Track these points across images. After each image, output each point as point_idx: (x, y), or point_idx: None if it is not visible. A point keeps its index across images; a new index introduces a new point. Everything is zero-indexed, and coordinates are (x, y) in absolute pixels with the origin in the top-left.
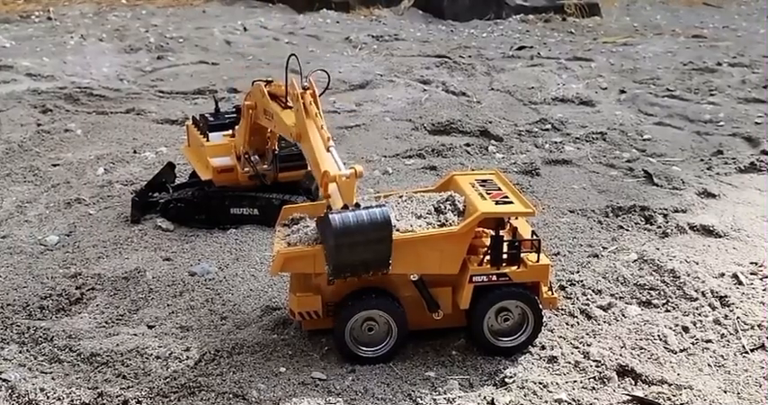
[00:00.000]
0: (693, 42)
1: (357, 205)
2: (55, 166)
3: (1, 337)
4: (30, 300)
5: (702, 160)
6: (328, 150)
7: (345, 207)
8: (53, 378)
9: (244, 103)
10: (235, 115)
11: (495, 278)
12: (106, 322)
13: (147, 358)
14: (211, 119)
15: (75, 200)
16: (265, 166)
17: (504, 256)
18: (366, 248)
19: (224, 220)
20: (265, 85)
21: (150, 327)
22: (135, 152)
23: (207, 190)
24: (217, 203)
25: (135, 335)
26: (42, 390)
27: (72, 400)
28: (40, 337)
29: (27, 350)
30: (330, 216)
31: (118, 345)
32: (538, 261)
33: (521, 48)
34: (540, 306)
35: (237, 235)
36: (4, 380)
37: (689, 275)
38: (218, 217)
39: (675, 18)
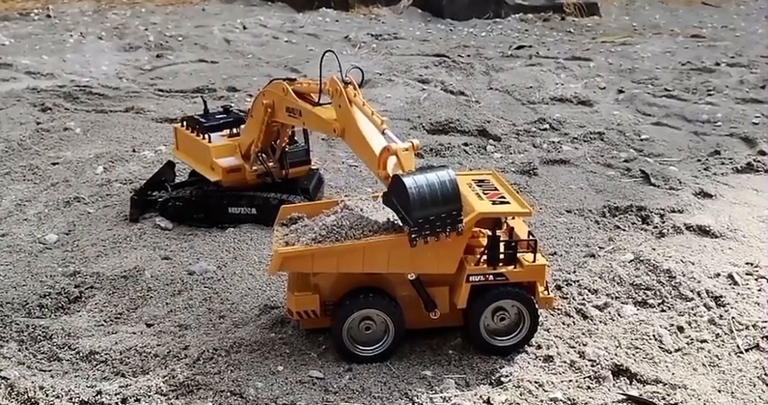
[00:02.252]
0: (692, 42)
1: None
2: (54, 164)
3: (0, 335)
4: (29, 298)
5: (699, 160)
6: (384, 133)
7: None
8: (52, 376)
9: (261, 102)
10: (225, 116)
11: (491, 278)
12: (105, 321)
13: (145, 357)
14: (203, 120)
15: (74, 198)
16: (271, 164)
17: (501, 255)
18: (437, 204)
19: (222, 219)
20: (288, 84)
21: (149, 325)
22: (134, 151)
23: (205, 189)
24: (215, 202)
25: (134, 333)
26: (41, 387)
27: (71, 398)
28: (39, 335)
29: (26, 348)
30: (402, 178)
31: (116, 343)
32: (534, 261)
33: (519, 47)
34: (537, 306)
35: (236, 234)
36: (4, 378)
37: (684, 276)
38: (217, 216)
39: (674, 17)
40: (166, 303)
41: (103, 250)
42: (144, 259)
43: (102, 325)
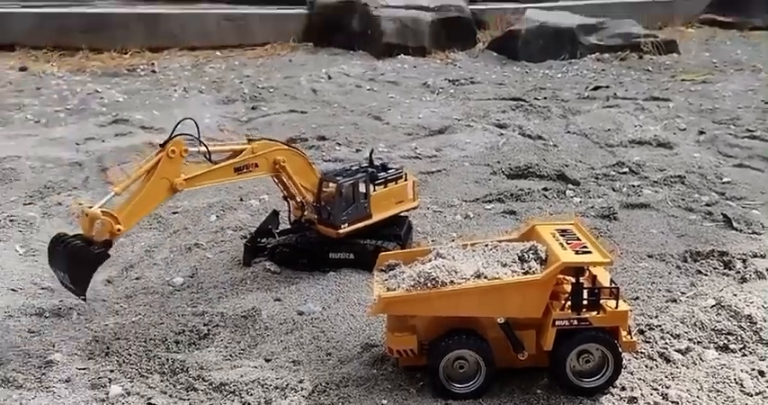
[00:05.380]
0: None
1: None
2: (174, 213)
3: (146, 367)
4: (167, 335)
5: None
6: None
7: None
8: (191, 404)
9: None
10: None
11: (576, 322)
12: (231, 355)
13: (267, 389)
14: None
15: (194, 244)
16: (308, 213)
17: (585, 302)
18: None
19: (324, 263)
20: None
21: (267, 360)
22: (241, 200)
23: (309, 236)
24: (317, 248)
25: (255, 367)
26: None
27: None
28: (177, 367)
29: (167, 379)
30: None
31: (242, 376)
32: (617, 307)
33: (596, 88)
34: (620, 349)
35: (336, 277)
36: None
37: (766, 321)
38: (319, 261)
39: (756, 53)
40: (281, 341)
41: (224, 292)
42: (259, 300)
43: (229, 359)
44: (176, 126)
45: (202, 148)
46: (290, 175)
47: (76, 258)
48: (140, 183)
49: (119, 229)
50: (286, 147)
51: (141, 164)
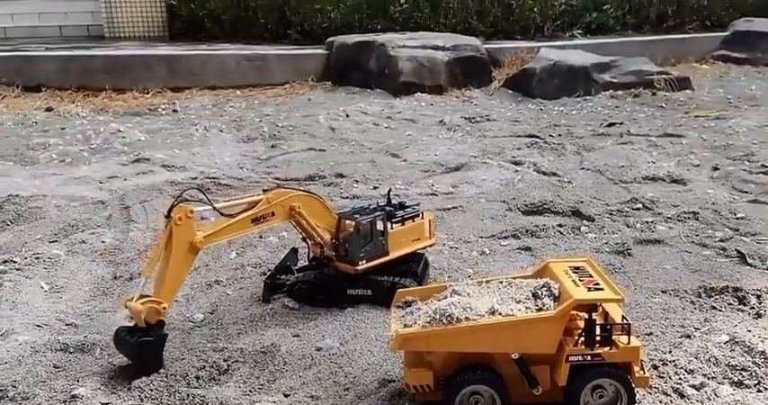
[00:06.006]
0: None
1: None
2: None
3: (167, 402)
4: (188, 370)
5: None
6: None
7: None
8: None
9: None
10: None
11: (589, 358)
12: (250, 390)
13: None
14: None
15: (214, 281)
16: (324, 250)
17: (597, 337)
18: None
19: (341, 299)
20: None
21: (286, 395)
22: (260, 237)
23: (327, 272)
24: (335, 284)
25: (273, 402)
26: None
27: None
28: (198, 402)
29: None
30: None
31: None
32: (629, 343)
33: (610, 125)
34: (633, 385)
35: (354, 313)
36: None
37: None
38: (337, 297)
39: None
40: (299, 376)
41: (243, 328)
42: (278, 336)
43: (248, 394)
44: (179, 196)
45: (217, 205)
46: (307, 218)
47: (143, 355)
48: (163, 259)
49: (164, 307)
50: (300, 192)
51: (158, 242)
